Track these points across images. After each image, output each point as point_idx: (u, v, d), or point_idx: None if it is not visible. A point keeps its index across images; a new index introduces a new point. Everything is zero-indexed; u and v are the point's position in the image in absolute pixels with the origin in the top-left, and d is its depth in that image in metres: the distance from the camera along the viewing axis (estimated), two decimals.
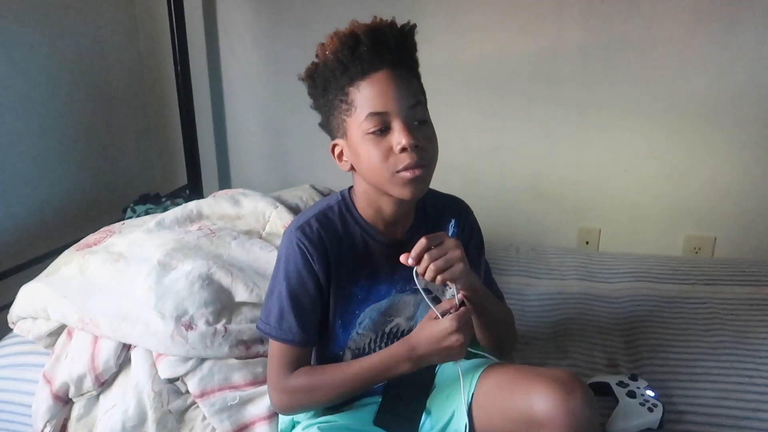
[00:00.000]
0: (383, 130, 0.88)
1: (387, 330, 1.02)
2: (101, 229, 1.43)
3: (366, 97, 0.87)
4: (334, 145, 0.95)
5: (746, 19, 1.76)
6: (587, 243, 2.08)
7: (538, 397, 0.83)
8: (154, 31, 2.20)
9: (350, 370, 0.94)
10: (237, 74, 2.24)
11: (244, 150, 2.32)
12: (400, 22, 0.92)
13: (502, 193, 2.07)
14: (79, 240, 1.43)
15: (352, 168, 0.94)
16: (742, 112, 1.83)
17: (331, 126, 0.94)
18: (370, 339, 1.01)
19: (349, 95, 0.88)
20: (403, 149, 0.86)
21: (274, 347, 0.97)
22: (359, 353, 1.00)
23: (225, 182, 2.38)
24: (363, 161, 0.90)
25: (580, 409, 0.81)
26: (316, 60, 0.92)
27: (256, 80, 2.22)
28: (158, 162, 2.38)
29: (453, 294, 0.92)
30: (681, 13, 1.80)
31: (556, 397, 0.82)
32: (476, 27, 1.92)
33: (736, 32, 1.78)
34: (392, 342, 1.00)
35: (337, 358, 1.00)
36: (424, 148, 0.88)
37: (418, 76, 0.94)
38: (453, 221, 1.00)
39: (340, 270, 0.96)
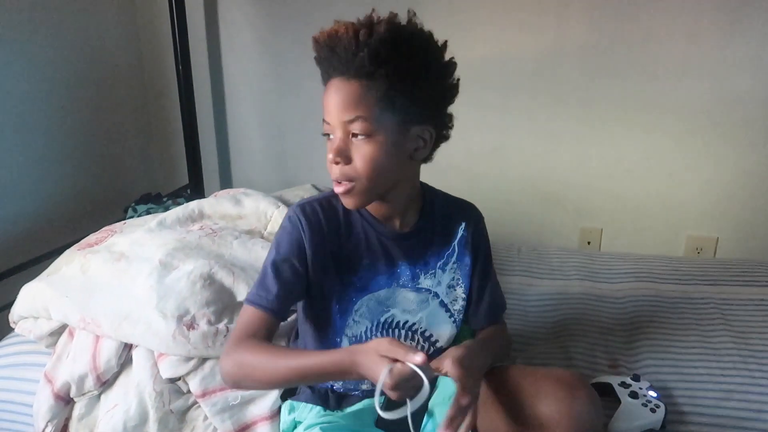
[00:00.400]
0: (328, 134, 0.91)
1: (383, 319, 1.01)
2: (102, 229, 1.43)
3: (323, 101, 0.90)
4: None
5: (748, 20, 1.76)
6: (589, 243, 2.08)
7: (542, 398, 0.83)
8: (155, 31, 2.20)
9: (292, 362, 0.88)
10: (238, 74, 2.24)
11: (245, 150, 2.32)
12: (398, 18, 0.88)
13: (504, 193, 2.06)
14: (80, 239, 1.43)
15: None
16: (745, 113, 1.83)
17: None
18: (366, 327, 1.00)
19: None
20: (329, 161, 0.90)
21: (243, 312, 0.96)
22: (356, 341, 1.00)
23: (226, 182, 2.37)
24: None
25: (584, 409, 0.81)
26: None
27: (257, 80, 2.22)
28: (159, 161, 2.38)
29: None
30: (683, 13, 1.80)
31: (561, 397, 0.82)
32: (477, 26, 1.92)
33: (738, 33, 1.77)
34: (387, 332, 1.01)
35: (335, 346, 1.00)
36: (351, 165, 0.89)
37: (387, 87, 0.86)
38: (463, 224, 1.03)
39: (339, 256, 0.97)
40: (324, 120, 0.90)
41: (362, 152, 0.88)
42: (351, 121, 0.88)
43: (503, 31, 1.92)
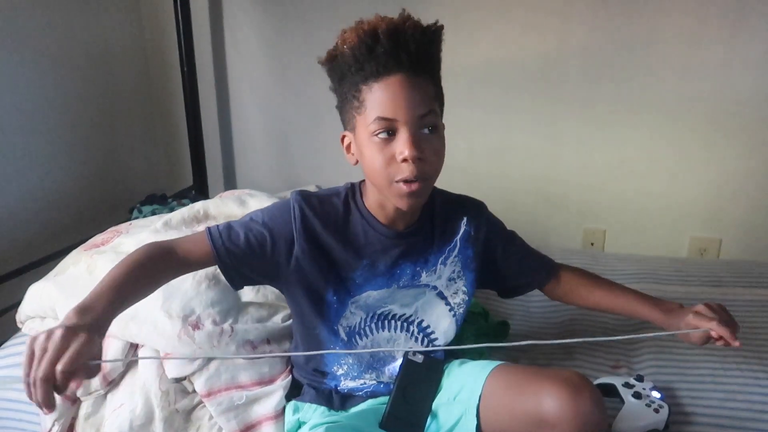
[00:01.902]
0: (389, 134, 0.86)
1: (379, 312, 1.02)
2: (109, 230, 1.44)
3: (377, 99, 0.86)
4: (344, 136, 0.96)
5: (751, 21, 1.76)
6: (592, 244, 2.08)
7: (547, 398, 0.84)
8: (160, 32, 2.21)
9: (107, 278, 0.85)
10: (242, 75, 2.25)
11: (249, 151, 2.33)
12: (423, 24, 0.89)
13: (507, 194, 2.07)
14: (85, 240, 1.44)
15: (356, 163, 0.95)
16: (748, 114, 1.83)
17: (343, 116, 0.95)
18: (361, 318, 1.01)
19: (361, 93, 0.87)
20: (405, 160, 0.85)
21: (197, 236, 0.95)
22: (350, 331, 1.01)
23: (230, 183, 2.38)
24: (366, 161, 0.90)
25: (588, 409, 0.82)
26: (335, 47, 0.90)
27: (262, 81, 2.23)
28: (164, 163, 2.39)
29: None
30: (686, 14, 1.80)
31: (565, 398, 0.82)
32: (481, 27, 1.92)
33: (740, 34, 1.77)
34: (383, 324, 1.02)
35: (335, 333, 1.00)
36: (426, 160, 0.87)
37: (437, 82, 0.92)
38: (464, 219, 1.04)
39: (336, 253, 0.97)
40: (383, 118, 0.86)
41: (434, 147, 0.88)
42: (424, 115, 0.87)
43: (506, 33, 1.92)
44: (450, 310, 1.06)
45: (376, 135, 0.87)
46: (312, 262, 0.96)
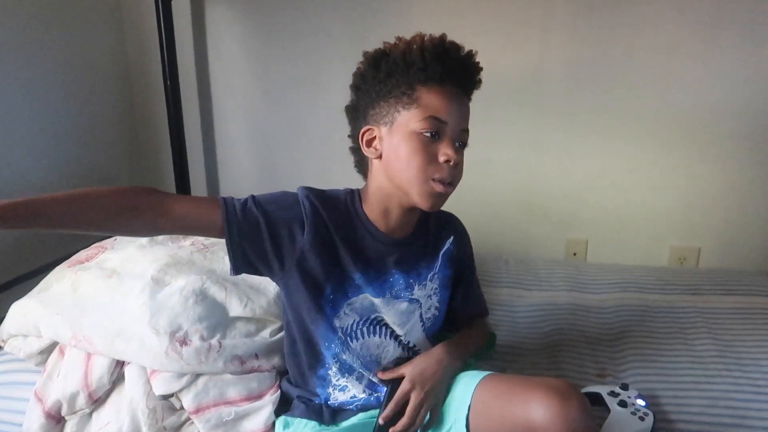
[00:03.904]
0: (434, 136, 0.92)
1: (372, 317, 1.03)
2: (93, 245, 1.43)
3: (434, 100, 0.92)
4: (368, 130, 0.98)
5: (726, 33, 1.81)
6: (575, 254, 2.10)
7: (536, 405, 0.85)
8: (142, 44, 2.20)
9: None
10: (226, 86, 2.24)
11: (233, 161, 2.32)
12: (388, 37, 0.97)
13: (490, 206, 2.09)
14: (67, 256, 1.42)
15: (378, 158, 0.97)
16: (725, 125, 1.87)
17: (373, 112, 0.97)
18: (354, 321, 1.02)
19: (416, 91, 0.93)
20: (447, 161, 0.92)
21: (207, 198, 0.94)
22: (343, 332, 1.01)
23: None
24: (402, 155, 0.93)
25: (577, 416, 0.83)
26: (384, 48, 0.96)
27: (245, 92, 2.22)
28: (147, 174, 2.37)
29: None
30: (664, 28, 1.84)
31: (554, 405, 0.83)
32: (461, 38, 1.93)
33: (716, 46, 1.82)
34: (375, 329, 1.03)
35: (333, 330, 1.01)
36: (460, 169, 0.95)
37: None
38: (452, 238, 1.06)
39: (338, 250, 0.98)
40: (437, 118, 0.92)
41: (462, 161, 0.96)
42: (465, 131, 0.97)
43: (488, 45, 1.94)
44: (422, 325, 1.08)
45: (424, 132, 0.92)
46: (317, 256, 0.96)
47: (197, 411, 1.08)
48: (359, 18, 1.99)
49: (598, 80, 1.92)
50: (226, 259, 1.25)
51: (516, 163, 2.05)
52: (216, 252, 1.29)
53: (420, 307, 1.06)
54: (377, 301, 1.02)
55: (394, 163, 0.95)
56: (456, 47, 0.95)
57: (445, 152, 0.92)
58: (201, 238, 1.37)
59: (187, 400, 1.09)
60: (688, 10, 1.81)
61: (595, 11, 1.87)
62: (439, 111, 0.92)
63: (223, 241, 0.93)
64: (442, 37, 0.95)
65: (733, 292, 1.59)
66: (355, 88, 0.99)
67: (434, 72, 0.92)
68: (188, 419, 1.10)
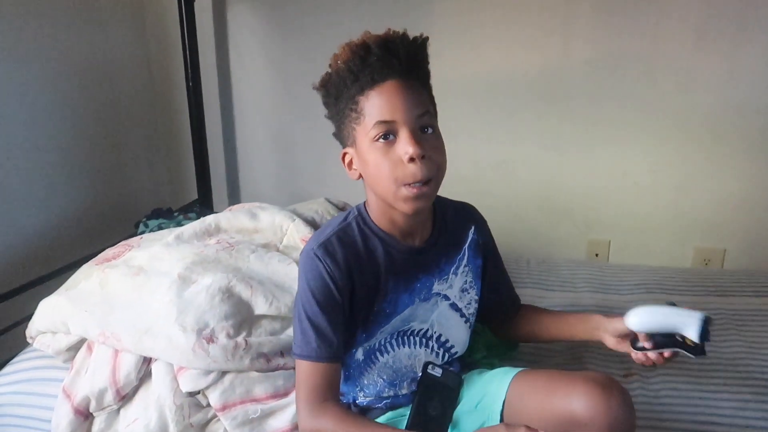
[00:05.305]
0: (390, 138, 0.89)
1: (400, 330, 1.03)
2: (120, 243, 1.44)
3: (374, 105, 0.89)
4: (345, 154, 0.97)
5: (750, 34, 1.79)
6: (597, 255, 2.09)
7: (577, 397, 0.84)
8: (165, 47, 2.22)
9: None
10: (247, 88, 2.26)
11: (254, 164, 2.34)
12: (410, 36, 0.94)
13: (512, 206, 2.08)
14: (93, 254, 1.44)
15: (361, 177, 0.96)
16: (750, 124, 1.85)
17: (342, 135, 0.97)
18: (384, 338, 1.02)
19: (358, 104, 0.90)
20: (411, 159, 0.87)
21: (301, 369, 0.95)
22: (370, 348, 1.01)
23: (235, 196, 2.39)
24: (371, 170, 0.92)
25: (620, 408, 0.83)
26: (329, 70, 0.94)
27: (266, 95, 2.24)
28: (169, 177, 2.40)
29: None
30: (686, 28, 1.82)
31: (596, 397, 0.83)
32: (485, 42, 1.95)
33: (742, 44, 1.80)
34: (404, 341, 1.02)
35: (350, 356, 1.01)
36: (430, 158, 0.89)
37: (428, 88, 0.96)
38: (473, 228, 1.06)
39: (363, 287, 0.97)
40: (382, 121, 0.88)
41: (435, 144, 0.91)
42: (422, 115, 0.90)
43: (510, 48, 1.94)
44: (465, 322, 1.07)
45: (378, 140, 0.89)
46: (350, 303, 0.97)
47: (224, 408, 1.09)
48: (381, 17, 2.00)
49: (621, 79, 1.91)
50: (252, 257, 1.28)
51: (538, 163, 2.04)
52: (241, 251, 1.30)
53: (446, 299, 1.05)
54: (407, 312, 1.02)
55: (369, 179, 0.94)
56: (378, 41, 0.89)
57: (405, 151, 0.87)
58: (227, 237, 1.37)
59: (214, 398, 1.09)
60: (713, 6, 1.79)
61: (616, 9, 1.85)
62: (383, 113, 0.88)
63: (247, 240, 0.95)
64: (364, 36, 0.90)
65: (761, 293, 1.56)
66: (327, 116, 0.99)
67: (365, 78, 0.89)
68: (215, 416, 1.11)
